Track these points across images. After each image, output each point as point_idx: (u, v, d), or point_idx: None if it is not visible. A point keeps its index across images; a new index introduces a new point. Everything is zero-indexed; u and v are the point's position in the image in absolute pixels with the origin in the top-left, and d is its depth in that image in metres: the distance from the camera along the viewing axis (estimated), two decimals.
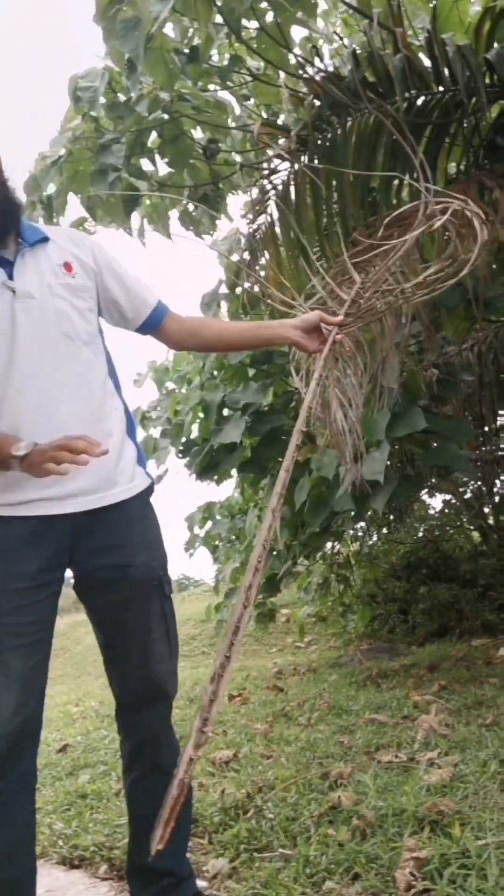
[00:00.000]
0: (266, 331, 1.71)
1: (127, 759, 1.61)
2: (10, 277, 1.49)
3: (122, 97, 4.15)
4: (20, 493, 1.45)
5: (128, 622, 1.52)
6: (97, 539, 1.51)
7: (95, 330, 1.61)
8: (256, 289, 3.74)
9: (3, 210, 1.48)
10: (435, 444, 3.52)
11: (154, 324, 1.69)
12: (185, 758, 0.99)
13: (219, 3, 3.42)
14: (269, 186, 3.49)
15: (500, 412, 4.75)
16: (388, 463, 3.33)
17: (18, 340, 1.46)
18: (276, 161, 3.48)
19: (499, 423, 4.90)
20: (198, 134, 4.42)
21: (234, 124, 4.55)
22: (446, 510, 6.63)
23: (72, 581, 1.58)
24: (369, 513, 5.20)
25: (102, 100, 3.99)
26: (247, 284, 3.80)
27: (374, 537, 6.67)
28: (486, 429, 4.82)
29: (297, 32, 4.28)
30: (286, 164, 3.46)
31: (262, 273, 3.69)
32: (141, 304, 1.68)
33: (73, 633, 12.94)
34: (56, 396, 1.47)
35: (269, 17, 3.79)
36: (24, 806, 1.46)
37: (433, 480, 4.98)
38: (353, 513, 3.87)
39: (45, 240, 1.57)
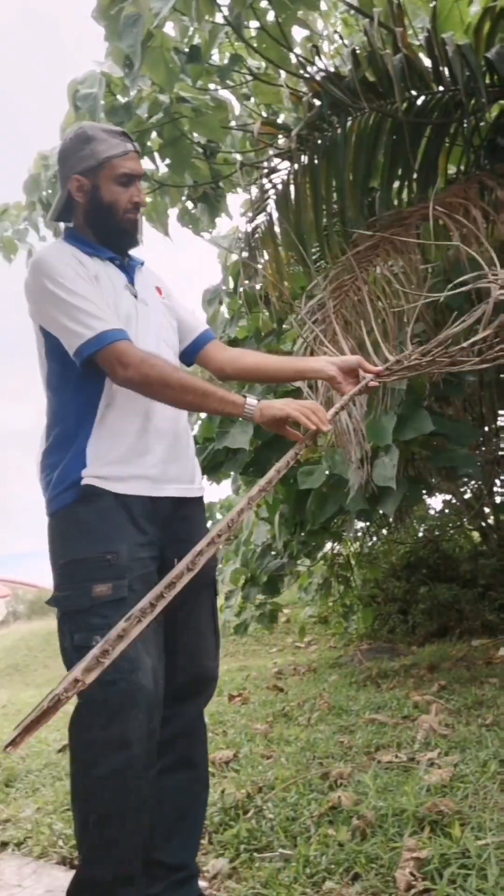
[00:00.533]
0: (303, 364, 1.81)
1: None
2: (132, 283, 1.69)
3: (121, 99, 4.15)
4: (132, 467, 1.54)
5: (181, 616, 1.59)
6: (174, 531, 1.61)
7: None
8: (258, 286, 3.74)
9: (137, 230, 1.70)
10: (438, 446, 3.50)
11: (197, 348, 1.84)
12: (69, 677, 0.97)
13: (220, 2, 3.42)
14: (268, 186, 3.49)
15: (501, 412, 4.75)
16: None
17: (139, 335, 1.61)
18: (276, 160, 3.48)
19: (499, 423, 4.89)
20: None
21: (234, 123, 4.55)
22: (446, 510, 6.62)
23: None
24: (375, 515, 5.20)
25: (101, 102, 3.99)
26: (247, 283, 3.80)
27: (375, 538, 6.66)
28: (487, 429, 4.82)
29: (298, 32, 4.28)
30: (286, 164, 3.46)
31: (262, 271, 3.69)
32: (190, 329, 1.84)
33: None
34: None
35: (270, 16, 3.79)
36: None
37: (433, 480, 4.96)
38: (361, 513, 3.86)
39: (143, 263, 1.79)
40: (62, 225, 1.82)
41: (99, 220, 1.64)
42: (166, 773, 1.61)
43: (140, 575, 1.49)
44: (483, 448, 4.98)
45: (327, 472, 3.75)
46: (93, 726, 1.41)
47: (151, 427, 1.58)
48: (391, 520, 6.13)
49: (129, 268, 1.70)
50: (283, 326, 4.10)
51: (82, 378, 1.54)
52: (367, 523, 6.11)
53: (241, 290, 4.02)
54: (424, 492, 3.99)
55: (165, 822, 1.61)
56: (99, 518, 1.48)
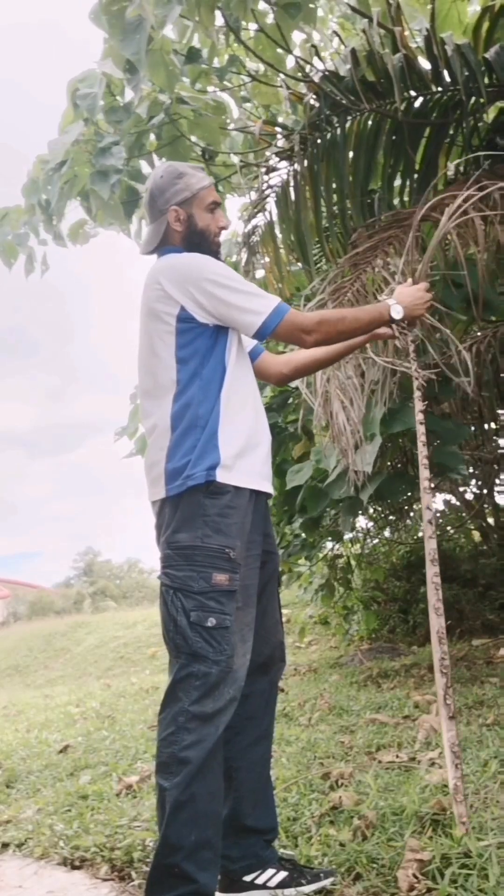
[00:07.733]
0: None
1: (239, 723, 1.72)
2: None
3: (120, 100, 4.15)
4: (249, 459, 1.69)
5: (263, 598, 1.78)
6: (263, 526, 1.77)
7: None
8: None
9: (220, 251, 1.86)
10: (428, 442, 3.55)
11: (253, 358, 1.96)
12: None
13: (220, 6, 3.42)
14: (266, 186, 3.49)
15: (500, 412, 4.74)
16: (380, 458, 3.40)
17: None
18: (276, 160, 3.48)
19: (499, 423, 4.89)
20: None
21: (232, 125, 4.55)
22: (446, 510, 6.62)
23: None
24: (365, 510, 5.19)
25: (101, 102, 3.99)
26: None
27: (375, 539, 6.66)
28: (487, 427, 4.81)
29: (298, 33, 4.27)
30: (285, 164, 3.46)
31: (260, 272, 3.69)
32: (248, 343, 1.94)
33: (74, 633, 12.92)
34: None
35: (270, 18, 3.79)
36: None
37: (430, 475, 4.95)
38: (344, 501, 3.91)
39: None
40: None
41: (196, 245, 1.80)
42: (254, 745, 1.74)
43: (248, 572, 1.67)
44: (482, 448, 4.98)
45: (314, 466, 3.83)
46: (187, 699, 1.55)
47: (260, 428, 1.75)
48: (392, 520, 6.13)
49: None
50: None
51: (209, 372, 1.68)
52: (366, 524, 6.10)
53: None
54: (405, 488, 4.02)
55: (251, 791, 1.73)
56: (221, 514, 1.62)
